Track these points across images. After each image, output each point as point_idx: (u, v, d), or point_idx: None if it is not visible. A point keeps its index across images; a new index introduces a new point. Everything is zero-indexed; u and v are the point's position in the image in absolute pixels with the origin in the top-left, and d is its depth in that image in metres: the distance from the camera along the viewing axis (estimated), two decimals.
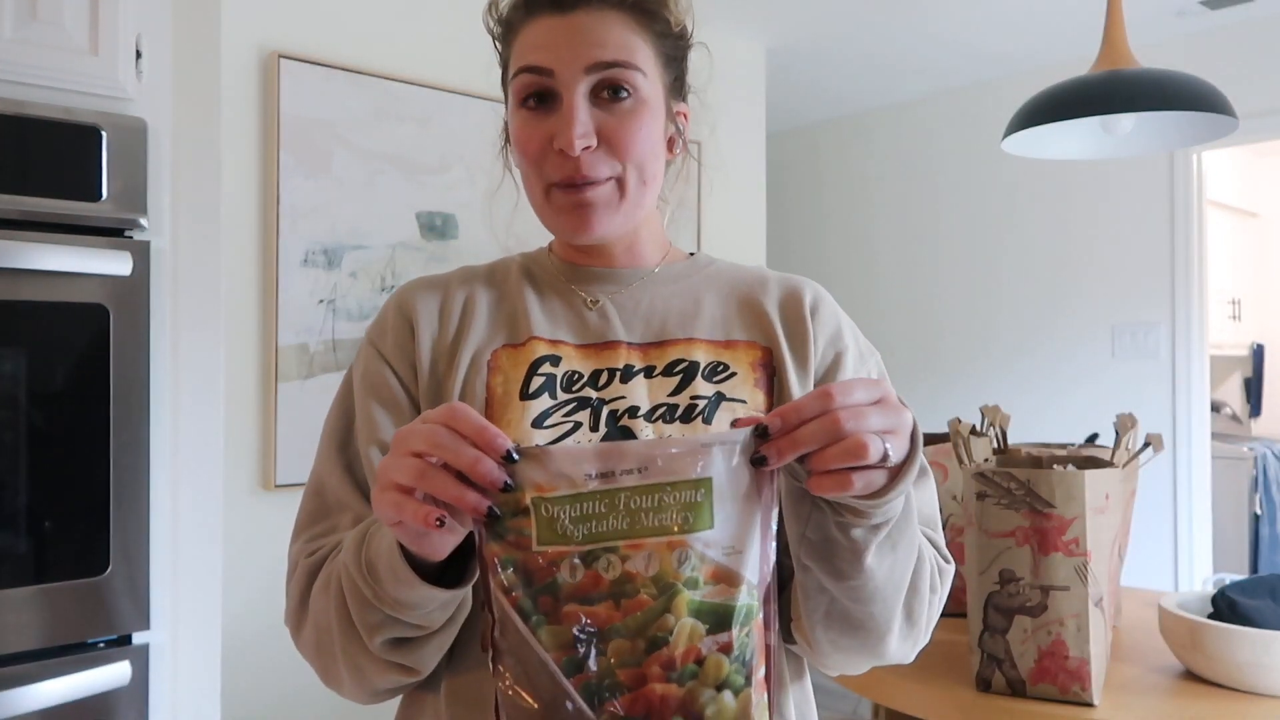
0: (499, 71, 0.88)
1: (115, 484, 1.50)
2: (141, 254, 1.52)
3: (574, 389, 0.81)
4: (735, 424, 0.64)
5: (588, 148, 0.79)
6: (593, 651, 0.59)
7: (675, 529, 0.60)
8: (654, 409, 0.80)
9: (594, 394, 0.81)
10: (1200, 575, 3.49)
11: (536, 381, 0.81)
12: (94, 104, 1.51)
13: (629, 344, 0.84)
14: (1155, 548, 3.55)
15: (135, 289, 1.52)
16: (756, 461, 0.61)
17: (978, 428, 1.70)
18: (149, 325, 1.54)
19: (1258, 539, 4.34)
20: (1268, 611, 1.41)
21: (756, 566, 0.62)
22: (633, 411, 0.80)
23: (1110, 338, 3.68)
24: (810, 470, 0.62)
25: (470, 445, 0.60)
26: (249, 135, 2.41)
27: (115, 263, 1.47)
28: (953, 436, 1.51)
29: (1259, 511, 4.35)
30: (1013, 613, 1.34)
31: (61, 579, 1.45)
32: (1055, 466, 1.35)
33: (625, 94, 0.80)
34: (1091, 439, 1.93)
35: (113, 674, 1.47)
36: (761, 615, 0.62)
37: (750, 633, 0.62)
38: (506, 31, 0.85)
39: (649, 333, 0.85)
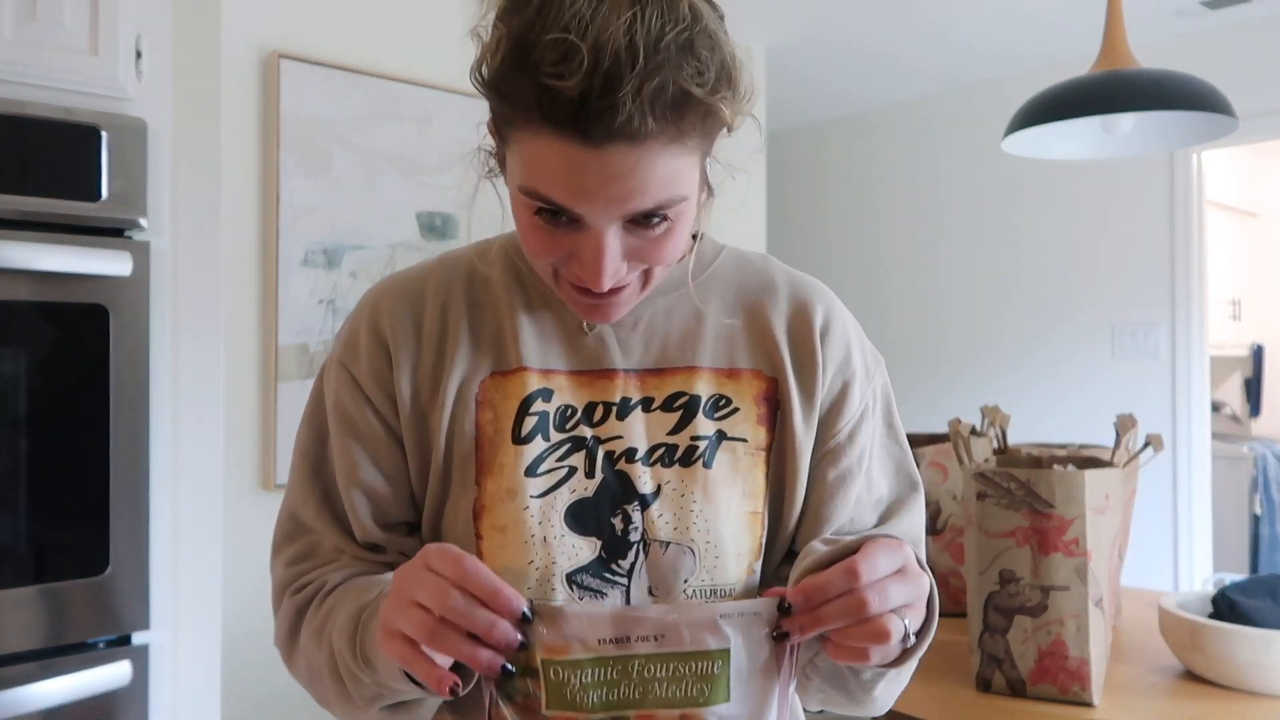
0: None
1: (115, 484, 1.50)
2: (141, 254, 1.52)
3: (568, 427, 0.76)
4: (761, 594, 0.64)
5: (617, 281, 0.70)
6: None
7: (690, 701, 0.59)
8: (651, 450, 0.76)
9: (589, 432, 0.76)
10: (1200, 575, 3.49)
11: (529, 422, 0.76)
12: (94, 104, 1.51)
13: (626, 371, 0.79)
14: (1155, 548, 3.55)
15: (135, 289, 1.52)
16: (779, 637, 0.61)
17: (978, 428, 1.70)
18: (149, 325, 1.54)
19: (1258, 539, 4.34)
20: (1268, 611, 1.41)
21: None
22: (630, 454, 0.76)
23: (1110, 338, 3.68)
24: (829, 636, 0.63)
25: (483, 608, 0.59)
26: (249, 135, 2.41)
27: (115, 263, 1.47)
28: (953, 437, 1.51)
29: (1259, 511, 4.35)
30: (1013, 613, 1.34)
31: (61, 579, 1.45)
32: (1055, 466, 1.35)
33: (662, 221, 0.68)
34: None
35: (113, 674, 1.47)
36: None
37: None
38: (503, 111, 0.67)
39: (648, 357, 0.79)
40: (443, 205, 2.72)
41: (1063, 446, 1.81)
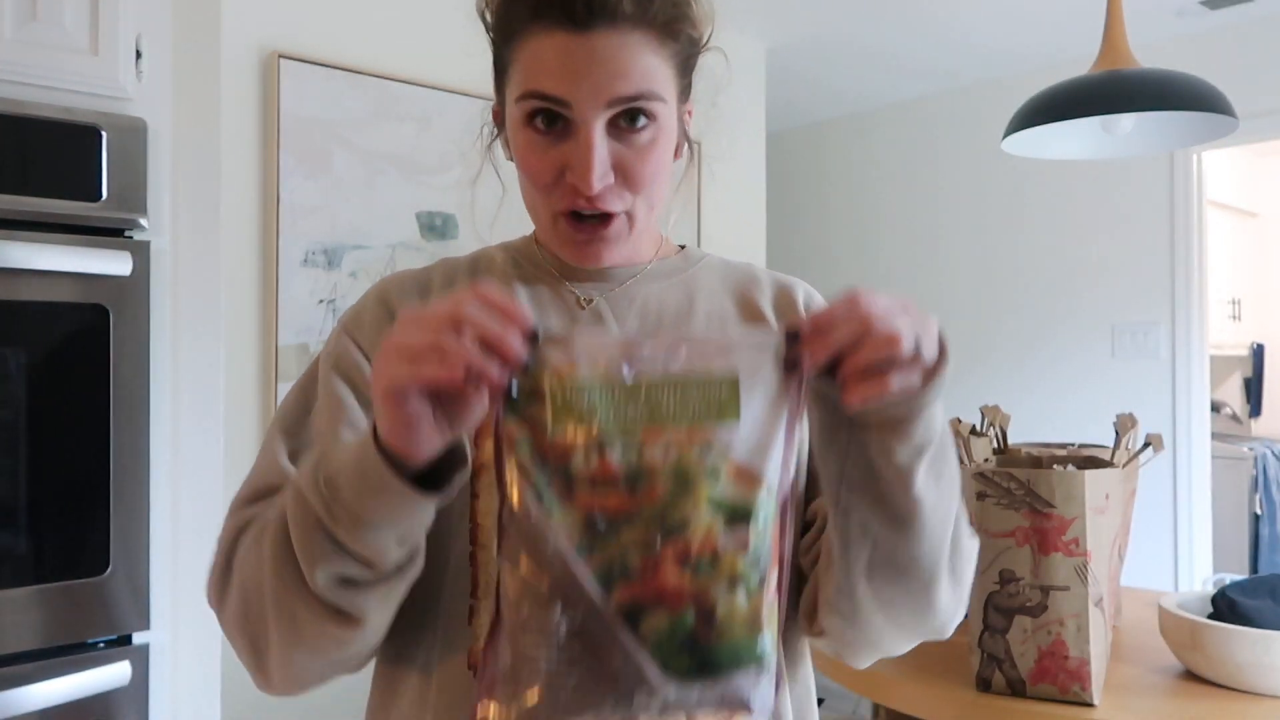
0: (489, 61, 0.84)
1: (115, 484, 1.50)
2: (141, 254, 1.52)
3: None
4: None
5: (605, 185, 0.76)
6: (606, 537, 0.57)
7: (697, 421, 0.58)
8: None
9: None
10: (1200, 575, 3.49)
11: None
12: (94, 104, 1.51)
13: None
14: (1155, 548, 3.55)
15: (135, 289, 1.52)
16: (790, 365, 0.60)
17: (978, 428, 1.70)
18: (149, 325, 1.54)
19: (1258, 539, 4.34)
20: (1268, 611, 1.41)
21: (777, 471, 0.60)
22: None
23: (1110, 338, 3.68)
24: (844, 382, 0.60)
25: (498, 316, 0.58)
26: (249, 135, 2.41)
27: (115, 263, 1.47)
28: (953, 437, 1.51)
29: (1259, 511, 4.35)
30: (1013, 613, 1.34)
31: (61, 579, 1.45)
32: (1055, 466, 1.35)
33: (644, 122, 0.75)
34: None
35: (113, 674, 1.47)
36: (778, 523, 0.60)
37: (766, 537, 0.59)
38: (505, 30, 0.78)
39: (644, 331, 0.83)
40: (443, 205, 2.72)
41: (1063, 446, 1.81)
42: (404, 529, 0.65)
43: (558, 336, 0.59)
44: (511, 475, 0.58)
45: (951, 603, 0.75)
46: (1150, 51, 3.18)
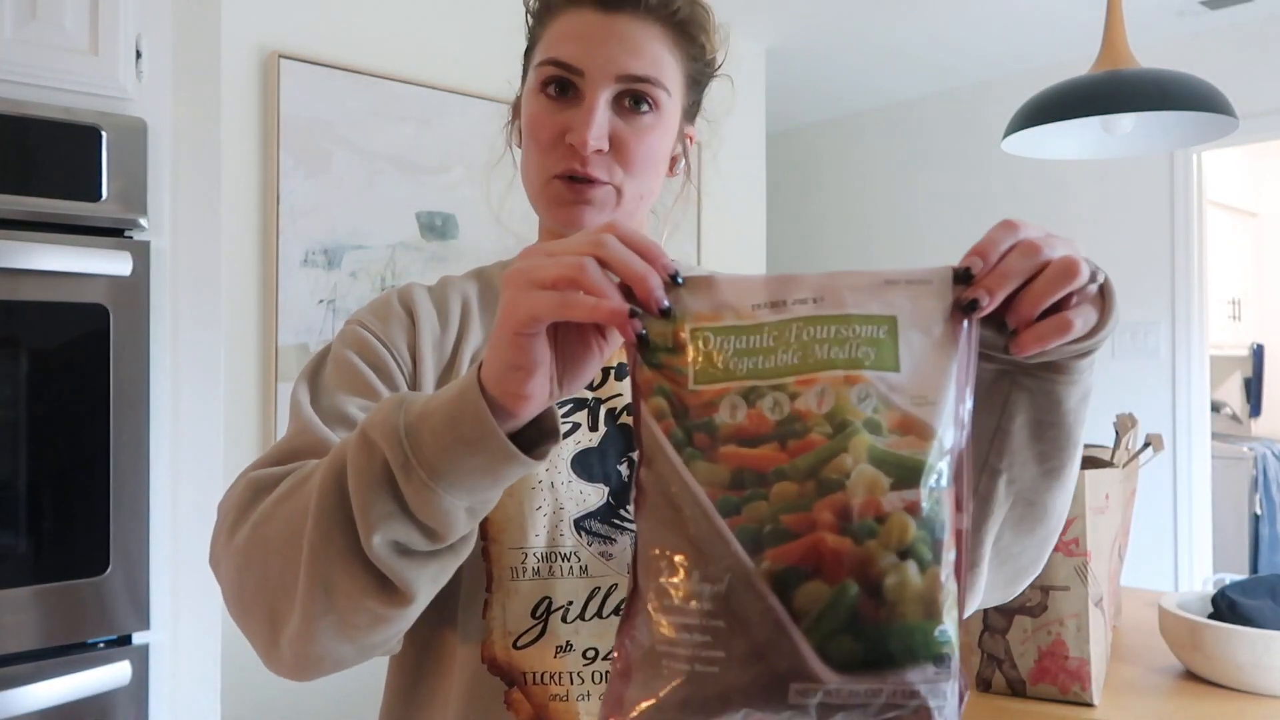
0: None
1: (115, 484, 1.50)
2: (141, 254, 1.52)
3: None
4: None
5: (599, 150, 0.79)
6: (754, 495, 0.50)
7: (855, 364, 0.51)
8: None
9: (590, 393, 0.80)
10: (1200, 575, 3.49)
11: None
12: (94, 104, 1.51)
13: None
14: (1155, 548, 3.55)
15: (135, 289, 1.52)
16: (968, 308, 0.52)
17: None
18: (149, 325, 1.54)
19: (1258, 539, 4.34)
20: (1268, 611, 1.41)
21: (951, 426, 0.52)
22: (630, 409, 0.79)
23: (1110, 337, 3.67)
24: (1018, 325, 0.54)
25: (640, 256, 0.53)
26: (249, 135, 2.41)
27: (115, 263, 1.47)
28: None
29: (1259, 511, 4.35)
30: (1013, 613, 1.34)
31: (61, 579, 1.45)
32: None
33: (646, 108, 0.80)
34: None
35: (112, 674, 1.47)
36: (954, 492, 0.52)
37: (941, 503, 0.51)
38: (543, 10, 0.84)
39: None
40: (443, 205, 2.72)
41: None
42: (479, 498, 0.58)
43: (700, 279, 0.53)
44: (649, 422, 0.52)
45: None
46: (1150, 51, 3.19)
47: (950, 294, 0.52)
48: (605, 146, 0.79)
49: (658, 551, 0.51)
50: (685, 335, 0.52)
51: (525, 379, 0.54)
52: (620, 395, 0.81)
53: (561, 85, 0.80)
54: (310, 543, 0.59)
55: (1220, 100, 1.73)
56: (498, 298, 0.84)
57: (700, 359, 0.52)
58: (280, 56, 2.43)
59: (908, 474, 0.50)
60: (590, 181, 0.80)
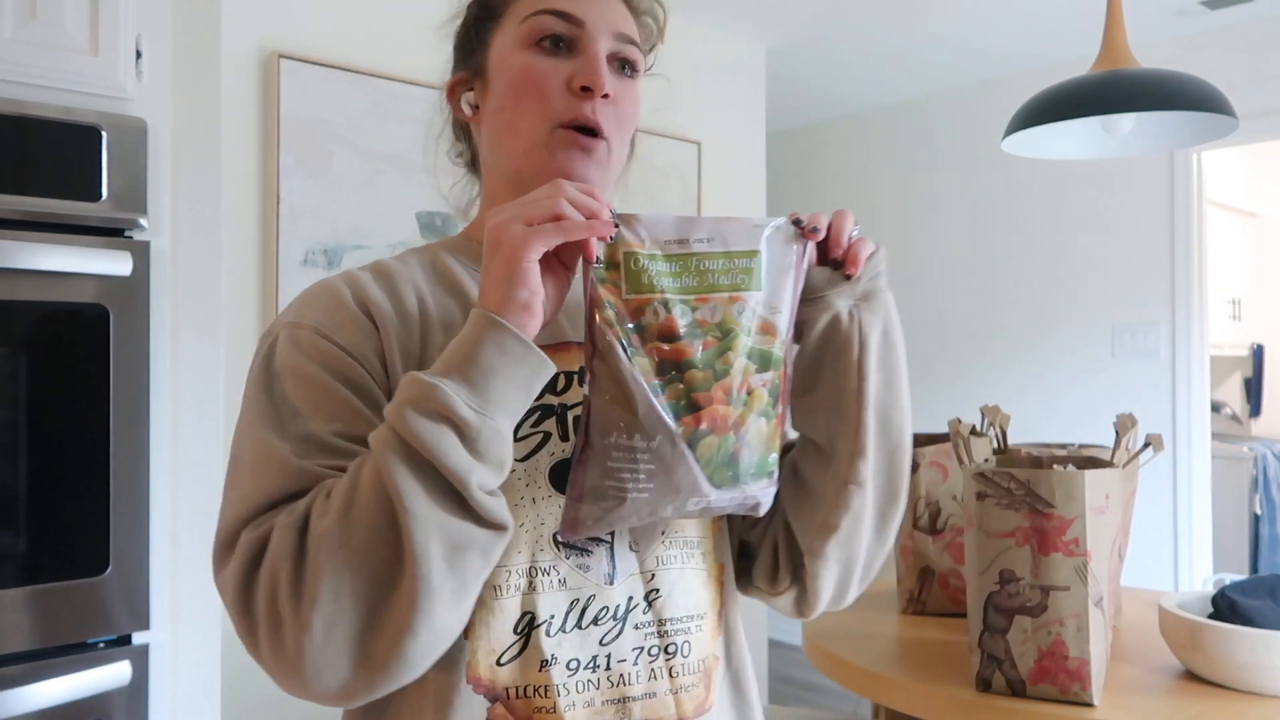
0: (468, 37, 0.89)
1: (115, 484, 1.50)
2: (141, 254, 1.52)
3: (538, 396, 0.74)
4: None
5: (606, 95, 0.81)
6: (673, 378, 0.72)
7: (735, 287, 0.73)
8: None
9: (555, 400, 0.79)
10: (1200, 575, 3.49)
11: None
12: (94, 104, 1.51)
13: (579, 343, 0.81)
14: (1155, 548, 3.55)
15: (135, 289, 1.52)
16: (812, 232, 0.78)
17: (978, 428, 1.70)
18: (149, 325, 1.54)
19: (1258, 539, 4.34)
20: (1268, 611, 1.41)
21: (787, 326, 0.76)
22: None
23: (1110, 337, 3.68)
24: (844, 256, 0.80)
25: (591, 198, 0.70)
26: (249, 135, 2.41)
27: (115, 263, 1.47)
28: (953, 437, 1.51)
29: (1259, 511, 4.35)
30: (1013, 613, 1.34)
31: (61, 579, 1.45)
32: (1055, 466, 1.35)
33: (630, 73, 0.85)
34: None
35: (112, 674, 1.47)
36: (784, 370, 0.76)
37: (778, 376, 0.75)
38: None
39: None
40: (443, 205, 2.72)
41: (1063, 446, 1.81)
42: (516, 418, 0.70)
43: (628, 215, 0.72)
44: (603, 328, 0.71)
45: (877, 543, 0.84)
46: (1150, 51, 3.19)
47: (794, 235, 0.78)
48: (612, 92, 0.82)
49: (609, 419, 0.71)
50: (619, 258, 0.71)
51: (534, 299, 0.69)
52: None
53: (555, 40, 0.82)
54: (417, 520, 0.64)
55: (1220, 100, 1.73)
56: (448, 279, 0.84)
57: (630, 276, 0.72)
58: (280, 56, 2.43)
59: (765, 361, 0.75)
60: (595, 135, 0.82)
